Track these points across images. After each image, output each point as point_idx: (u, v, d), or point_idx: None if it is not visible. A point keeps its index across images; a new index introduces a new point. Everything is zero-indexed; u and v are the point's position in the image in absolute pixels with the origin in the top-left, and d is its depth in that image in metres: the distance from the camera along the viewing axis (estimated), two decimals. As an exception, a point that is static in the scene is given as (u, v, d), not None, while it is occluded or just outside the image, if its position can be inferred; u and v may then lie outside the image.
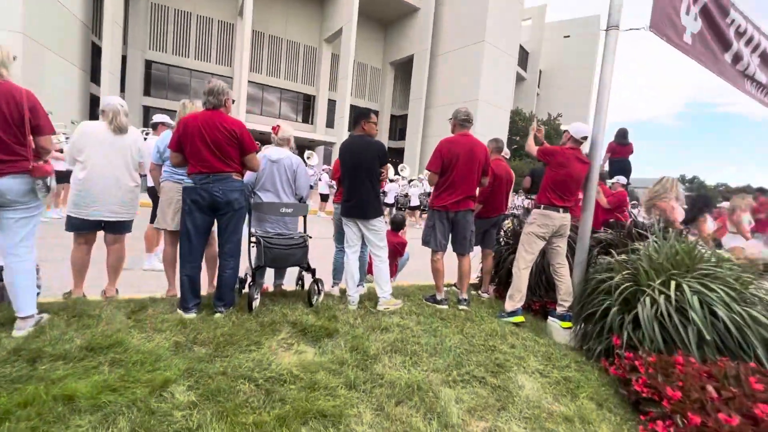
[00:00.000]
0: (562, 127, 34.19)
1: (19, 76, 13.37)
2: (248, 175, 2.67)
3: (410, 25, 26.45)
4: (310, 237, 2.81)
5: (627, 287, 2.32)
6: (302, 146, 27.11)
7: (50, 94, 15.21)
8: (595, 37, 36.78)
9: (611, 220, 4.67)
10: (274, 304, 2.72)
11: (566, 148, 2.93)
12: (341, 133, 22.80)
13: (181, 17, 23.08)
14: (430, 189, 12.42)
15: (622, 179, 4.82)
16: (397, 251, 3.90)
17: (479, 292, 3.65)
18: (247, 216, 2.67)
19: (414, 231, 10.42)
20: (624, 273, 2.43)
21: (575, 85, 37.13)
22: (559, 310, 2.91)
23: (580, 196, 3.05)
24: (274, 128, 2.87)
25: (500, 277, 3.62)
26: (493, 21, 22.59)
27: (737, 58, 3.89)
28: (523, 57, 34.07)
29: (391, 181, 11.61)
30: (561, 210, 2.91)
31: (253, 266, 2.64)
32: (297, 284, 3.10)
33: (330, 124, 25.63)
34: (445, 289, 3.46)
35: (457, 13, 24.18)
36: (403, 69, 28.84)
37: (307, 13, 25.97)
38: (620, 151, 5.76)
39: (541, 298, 3.29)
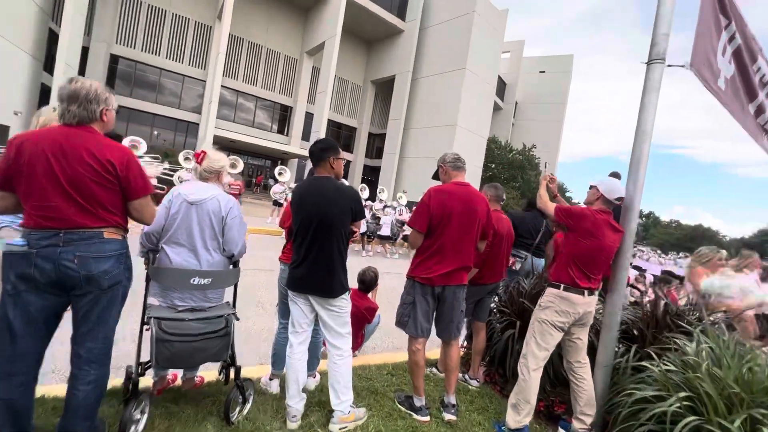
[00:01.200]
0: (547, 171, 35.07)
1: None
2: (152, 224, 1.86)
3: (394, 46, 26.38)
4: (237, 319, 1.95)
5: (689, 422, 1.63)
6: (276, 158, 26.03)
7: (-11, 80, 13.58)
8: (567, 75, 38.46)
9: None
10: (172, 418, 1.83)
11: (596, 212, 2.17)
12: (316, 148, 21.92)
13: (155, 13, 21.80)
14: (405, 216, 11.27)
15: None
16: (364, 318, 3.04)
17: (467, 376, 2.83)
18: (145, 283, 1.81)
19: (384, 262, 9.63)
20: (680, 395, 1.74)
21: (548, 119, 38.41)
22: (578, 426, 2.14)
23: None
24: (197, 155, 2.00)
25: (493, 354, 2.81)
26: (474, 50, 22.84)
27: (760, 110, 3.49)
28: (501, 87, 34.89)
29: (386, 206, 10.77)
30: (586, 293, 2.15)
31: (139, 362, 1.76)
32: (220, 374, 2.17)
33: (306, 136, 24.77)
34: (430, 371, 2.67)
35: (441, 39, 24.34)
36: (384, 88, 28.63)
37: (290, 23, 25.36)
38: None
39: (546, 395, 2.50)
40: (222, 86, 21.09)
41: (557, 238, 3.77)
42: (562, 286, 2.19)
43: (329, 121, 24.32)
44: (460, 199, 2.24)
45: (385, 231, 10.29)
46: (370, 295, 3.28)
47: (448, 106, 23.27)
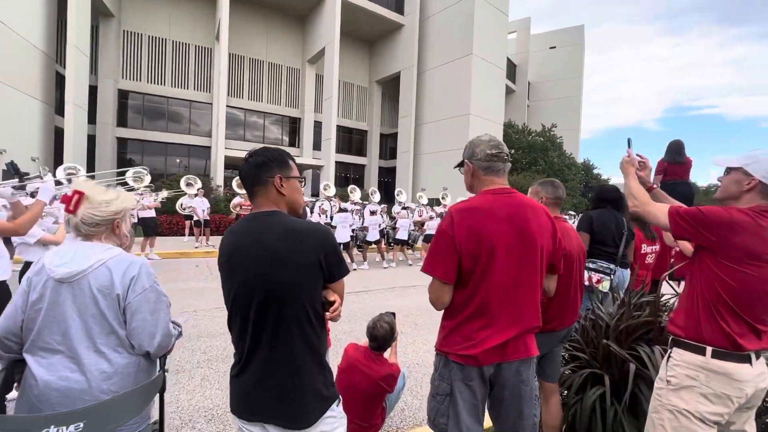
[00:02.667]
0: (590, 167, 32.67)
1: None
2: (3, 318, 1.20)
3: (395, 43, 25.70)
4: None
5: None
6: (289, 171, 25.82)
7: (10, 129, 13.87)
8: (580, 47, 36.60)
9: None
10: None
11: (755, 214, 1.29)
12: (328, 156, 21.57)
13: (156, 44, 22.00)
14: (425, 215, 10.44)
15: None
16: (381, 390, 2.15)
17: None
18: None
19: (407, 271, 8.94)
20: None
21: (564, 95, 36.69)
22: None
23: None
24: (65, 199, 1.23)
25: (573, 423, 1.88)
26: (479, 34, 21.85)
27: None
28: (511, 69, 33.56)
29: (404, 207, 9.95)
30: (753, 358, 1.29)
31: None
32: None
33: (317, 146, 24.44)
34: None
35: (442, 28, 23.47)
36: (391, 86, 27.97)
37: (288, 34, 25.12)
38: (675, 171, 4.42)
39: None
40: (228, 106, 21.03)
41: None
42: (710, 350, 1.29)
43: (338, 127, 23.88)
44: (507, 220, 1.36)
45: (402, 234, 9.58)
46: (387, 353, 2.32)
47: (458, 95, 22.35)
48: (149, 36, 21.75)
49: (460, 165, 1.57)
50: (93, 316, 1.18)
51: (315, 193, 22.54)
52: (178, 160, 22.89)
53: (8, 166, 2.59)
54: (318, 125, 24.50)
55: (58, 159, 16.13)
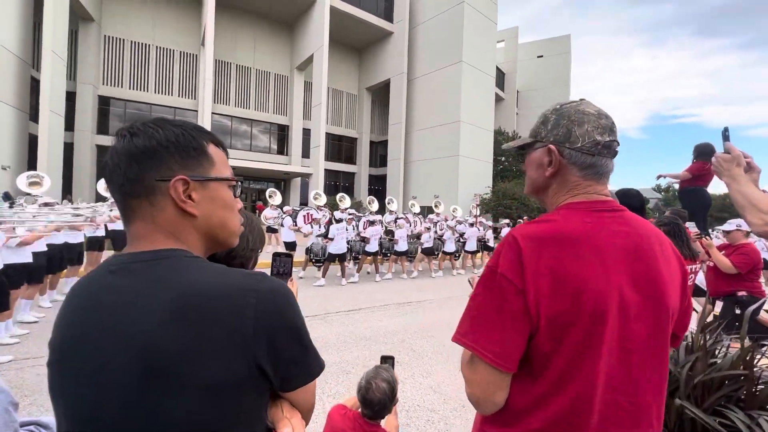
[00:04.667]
0: None
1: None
2: None
3: (384, 50, 25.55)
4: None
5: None
6: (279, 179, 25.24)
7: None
8: (567, 56, 37.05)
9: (741, 293, 2.91)
10: None
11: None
12: (317, 163, 21.09)
13: (139, 49, 21.37)
14: (420, 227, 9.94)
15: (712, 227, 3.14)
16: None
17: None
18: None
19: (395, 283, 8.46)
20: None
21: (552, 103, 36.89)
22: None
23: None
24: None
25: None
26: (468, 42, 21.84)
27: None
28: (500, 77, 33.73)
29: (371, 223, 9.25)
30: None
31: None
32: None
33: (306, 153, 23.96)
34: None
35: (432, 36, 23.40)
36: (381, 94, 27.77)
37: (276, 40, 24.75)
38: (702, 174, 4.02)
39: None
40: (213, 113, 20.47)
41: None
42: None
43: (327, 134, 23.50)
44: (624, 261, 0.76)
45: (402, 246, 9.08)
46: (384, 422, 1.65)
47: (448, 102, 22.19)
48: (132, 41, 21.12)
49: (527, 147, 0.93)
50: None
51: (304, 203, 22.00)
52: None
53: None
54: (307, 133, 24.06)
55: (31, 167, 15.31)
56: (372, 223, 8.77)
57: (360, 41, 26.36)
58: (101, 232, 6.94)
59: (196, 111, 22.25)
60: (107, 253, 7.80)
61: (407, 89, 24.29)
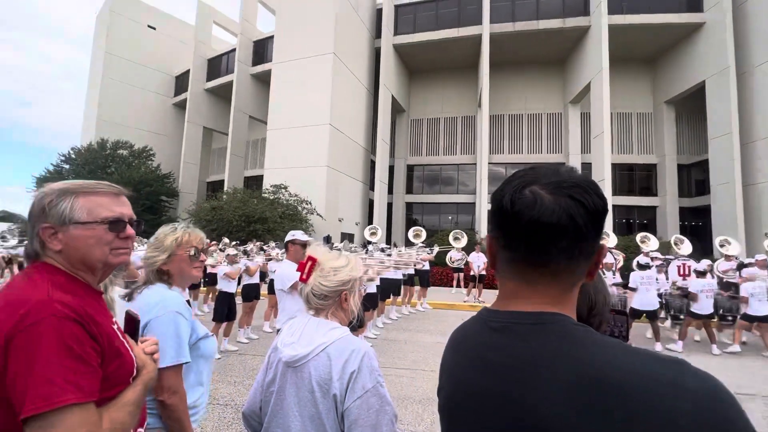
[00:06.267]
0: None
1: (323, 198, 18.23)
2: (251, 393, 1.20)
3: (691, 49, 20.08)
4: None
5: None
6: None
7: (343, 204, 20.01)
8: None
9: None
10: None
11: None
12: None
13: (432, 124, 26.74)
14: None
15: None
16: None
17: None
18: None
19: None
20: None
21: None
22: None
23: None
24: (300, 265, 1.16)
25: None
26: None
27: None
28: None
29: (701, 273, 6.71)
30: None
31: None
32: None
33: (586, 190, 21.56)
34: None
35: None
36: (688, 104, 21.64)
37: (546, 81, 24.62)
38: None
39: None
40: (490, 163, 22.24)
41: None
42: None
43: (614, 165, 20.31)
44: None
45: (705, 308, 6.10)
46: None
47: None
48: (427, 119, 26.76)
49: None
50: (312, 418, 1.02)
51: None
52: (449, 217, 25.85)
53: (324, 238, 3.36)
54: (586, 167, 21.79)
55: (369, 222, 21.66)
56: (702, 273, 6.43)
57: (651, 51, 22.02)
58: (411, 271, 8.74)
59: (475, 164, 24.98)
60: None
61: (739, 86, 17.72)
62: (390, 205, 24.99)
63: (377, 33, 23.58)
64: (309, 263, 1.15)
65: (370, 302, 5.69)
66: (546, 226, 0.54)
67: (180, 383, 1.19)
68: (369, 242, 10.61)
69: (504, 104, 24.90)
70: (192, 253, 1.38)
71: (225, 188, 22.71)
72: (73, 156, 25.63)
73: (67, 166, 25.34)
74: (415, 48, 23.64)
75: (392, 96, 23.09)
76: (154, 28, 31.17)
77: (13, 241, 8.96)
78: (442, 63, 25.42)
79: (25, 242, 0.82)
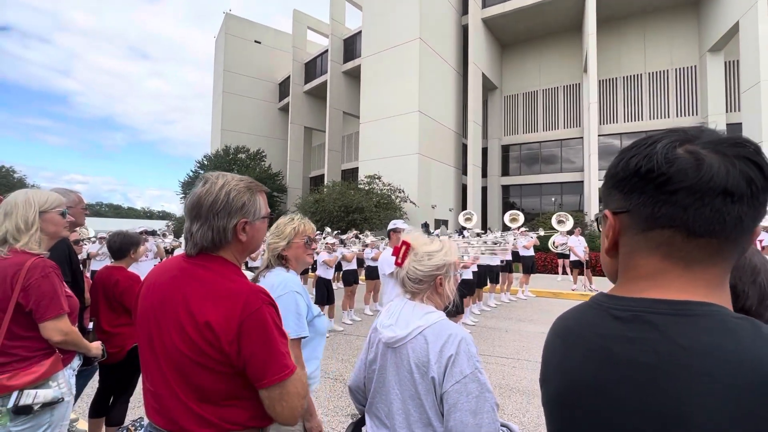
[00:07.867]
0: None
1: (415, 185, 18.34)
2: (355, 369, 1.29)
3: None
4: None
5: None
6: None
7: (435, 191, 19.91)
8: None
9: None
10: None
11: None
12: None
13: (528, 98, 24.67)
14: None
15: None
16: None
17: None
18: None
19: None
20: None
21: None
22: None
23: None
24: (395, 250, 1.21)
25: None
26: None
27: None
28: None
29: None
30: None
31: None
32: None
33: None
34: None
35: None
36: None
37: (673, 31, 20.57)
38: None
39: None
40: (600, 135, 19.70)
41: None
42: None
43: (775, 123, 16.11)
44: None
45: None
46: None
47: None
48: (523, 93, 24.77)
49: None
50: (411, 397, 1.07)
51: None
52: (552, 199, 23.77)
53: (423, 225, 3.48)
54: (734, 128, 17.75)
55: (463, 207, 21.13)
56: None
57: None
58: (509, 257, 8.31)
59: (581, 137, 22.35)
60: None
61: None
62: (484, 189, 23.97)
63: (464, 9, 22.49)
64: (404, 248, 1.19)
65: (467, 288, 5.61)
66: (719, 190, 0.46)
67: (299, 355, 1.36)
68: (464, 228, 10.40)
69: (615, 66, 21.63)
70: (306, 240, 1.55)
71: (325, 182, 24.50)
72: (206, 162, 30.36)
73: (202, 172, 30.21)
74: (507, 18, 21.93)
75: (482, 74, 21.90)
76: (260, 42, 34.81)
77: (171, 236, 11.04)
78: (538, 30, 23.13)
79: (191, 235, 0.98)
